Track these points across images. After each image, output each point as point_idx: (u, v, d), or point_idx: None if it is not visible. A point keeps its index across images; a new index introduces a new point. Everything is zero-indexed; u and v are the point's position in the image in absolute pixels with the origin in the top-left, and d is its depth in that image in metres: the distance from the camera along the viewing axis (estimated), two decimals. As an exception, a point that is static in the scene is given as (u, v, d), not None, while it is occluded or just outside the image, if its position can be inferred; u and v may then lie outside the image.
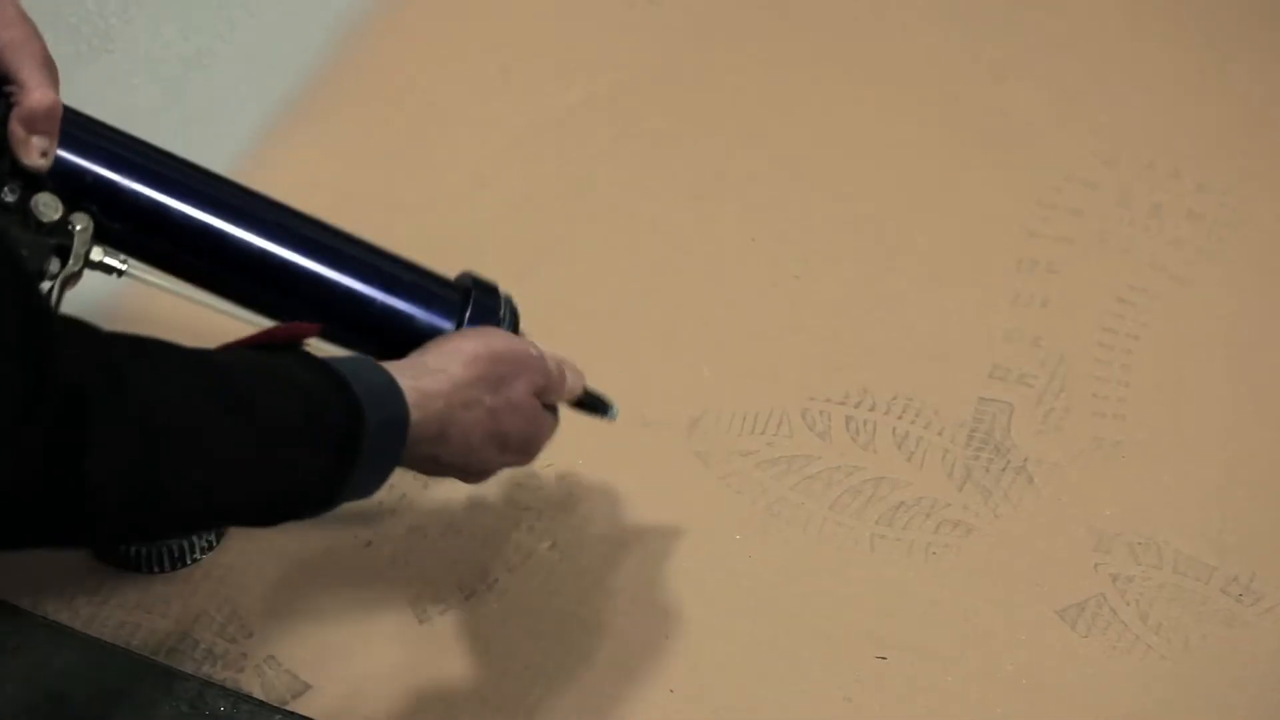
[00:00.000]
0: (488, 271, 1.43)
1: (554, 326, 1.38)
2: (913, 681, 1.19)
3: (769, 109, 1.60)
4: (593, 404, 1.14)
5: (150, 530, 0.92)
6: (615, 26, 1.66)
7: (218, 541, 1.21)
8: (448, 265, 1.42)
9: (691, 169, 1.54)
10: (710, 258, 1.46)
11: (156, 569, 1.18)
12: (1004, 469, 1.32)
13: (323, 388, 0.94)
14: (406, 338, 1.06)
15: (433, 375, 1.01)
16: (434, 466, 1.04)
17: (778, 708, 1.18)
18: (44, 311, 0.81)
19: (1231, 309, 1.46)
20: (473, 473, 1.07)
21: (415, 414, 0.98)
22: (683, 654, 1.19)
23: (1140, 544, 1.28)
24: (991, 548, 1.27)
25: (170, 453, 0.85)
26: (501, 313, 1.11)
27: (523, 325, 1.12)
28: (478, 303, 1.11)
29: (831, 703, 1.18)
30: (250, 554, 1.22)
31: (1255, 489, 1.33)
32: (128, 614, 1.18)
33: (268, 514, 0.94)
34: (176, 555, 1.18)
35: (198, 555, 1.19)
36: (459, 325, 1.09)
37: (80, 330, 0.83)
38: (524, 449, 1.08)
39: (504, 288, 1.13)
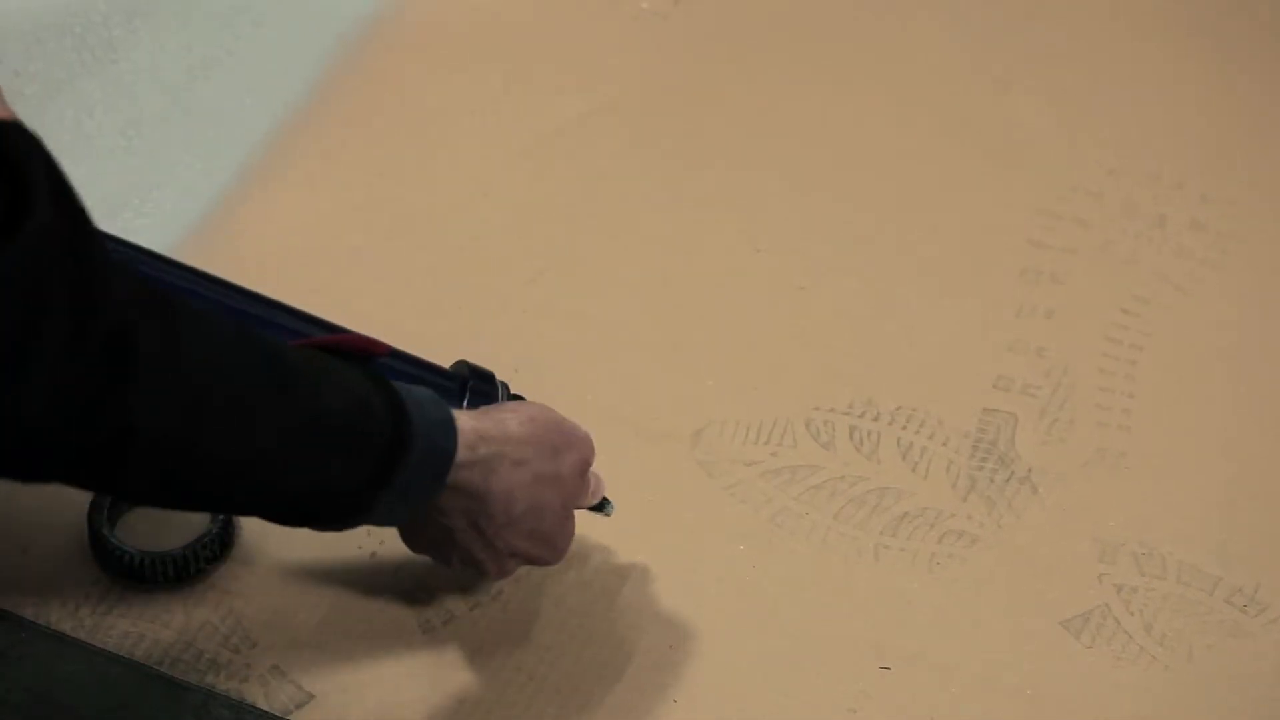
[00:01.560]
0: (491, 280, 1.43)
1: (557, 337, 1.39)
2: (916, 692, 1.19)
3: (773, 121, 1.60)
4: (600, 503, 1.17)
5: (177, 488, 0.90)
6: (620, 38, 1.66)
7: (222, 554, 1.21)
8: (453, 275, 1.43)
9: (695, 180, 1.54)
10: (714, 268, 1.46)
11: (161, 579, 1.18)
12: (1008, 479, 1.32)
13: (378, 401, 0.95)
14: None
15: (491, 420, 1.02)
16: (459, 530, 1.04)
17: (782, 718, 1.18)
18: (100, 250, 0.81)
19: (1236, 320, 1.46)
20: (499, 553, 1.07)
21: (465, 453, 0.98)
22: (687, 664, 1.19)
23: (1144, 554, 1.28)
24: (996, 558, 1.27)
25: (212, 409, 0.86)
26: (500, 399, 1.12)
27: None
28: (475, 390, 1.11)
29: (836, 713, 1.18)
30: (254, 565, 1.22)
31: (1260, 499, 1.33)
32: (131, 624, 1.18)
33: (291, 508, 0.94)
34: (180, 566, 1.18)
35: (202, 566, 1.19)
36: None
37: (135, 276, 0.84)
38: (552, 540, 1.08)
39: (496, 366, 1.16)
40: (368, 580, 1.22)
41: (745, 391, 1.36)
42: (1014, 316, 1.44)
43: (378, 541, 1.22)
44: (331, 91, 1.57)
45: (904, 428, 1.34)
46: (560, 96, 1.60)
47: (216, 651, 1.17)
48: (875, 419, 1.35)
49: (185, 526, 1.20)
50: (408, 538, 1.12)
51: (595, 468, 1.13)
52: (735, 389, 1.36)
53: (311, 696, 1.16)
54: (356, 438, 0.93)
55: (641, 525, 1.27)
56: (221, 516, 1.19)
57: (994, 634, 1.23)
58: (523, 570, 1.22)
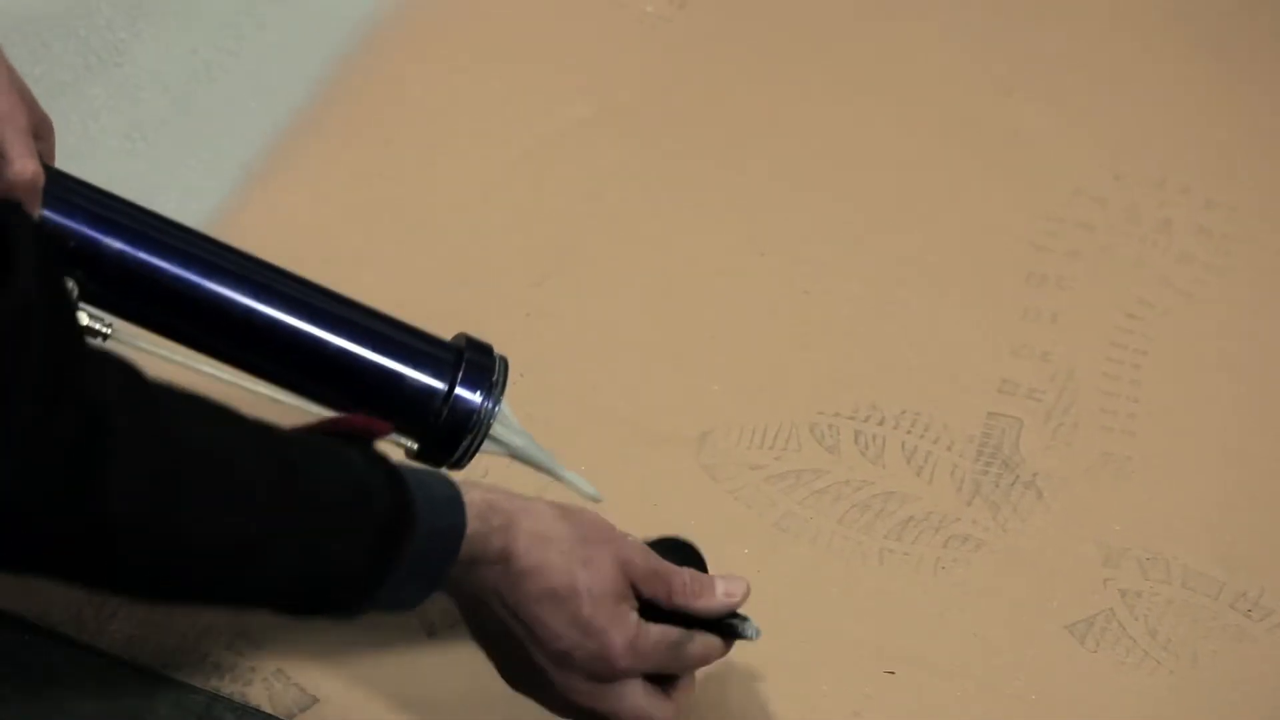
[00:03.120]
0: (495, 284, 1.43)
1: (561, 340, 1.38)
2: (921, 696, 1.19)
3: (777, 124, 1.60)
4: (730, 629, 1.04)
5: (171, 580, 0.86)
6: (624, 42, 1.66)
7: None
8: (455, 277, 1.43)
9: (700, 183, 1.53)
10: (719, 272, 1.46)
11: (164, 582, 1.18)
12: (1013, 484, 1.32)
13: (377, 477, 0.91)
14: (396, 397, 1.05)
15: (508, 495, 0.97)
16: (500, 616, 0.97)
17: (786, 722, 1.18)
18: (72, 327, 0.80)
19: (1241, 324, 1.46)
20: (547, 649, 0.97)
21: (476, 524, 0.94)
22: (691, 668, 1.19)
23: (1149, 559, 1.28)
24: (1000, 562, 1.27)
25: (198, 492, 0.83)
26: (495, 375, 1.09)
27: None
28: (470, 362, 1.09)
29: (839, 717, 1.18)
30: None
31: (1265, 504, 1.32)
32: (135, 628, 1.18)
33: (295, 595, 0.90)
34: (184, 568, 1.18)
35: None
36: (451, 386, 1.07)
37: (113, 358, 0.82)
38: (597, 630, 0.97)
39: (500, 349, 1.11)
40: (372, 583, 1.21)
41: (749, 395, 1.36)
42: (1018, 320, 1.44)
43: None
44: (335, 94, 1.57)
45: (908, 432, 1.34)
46: (564, 99, 1.60)
47: (220, 654, 1.17)
48: (880, 423, 1.35)
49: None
50: (481, 642, 1.04)
51: (724, 579, 1.04)
52: (739, 393, 1.36)
53: (316, 700, 1.16)
54: (356, 516, 0.89)
55: (645, 529, 1.26)
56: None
57: (998, 638, 1.23)
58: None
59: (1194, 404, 1.39)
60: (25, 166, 0.97)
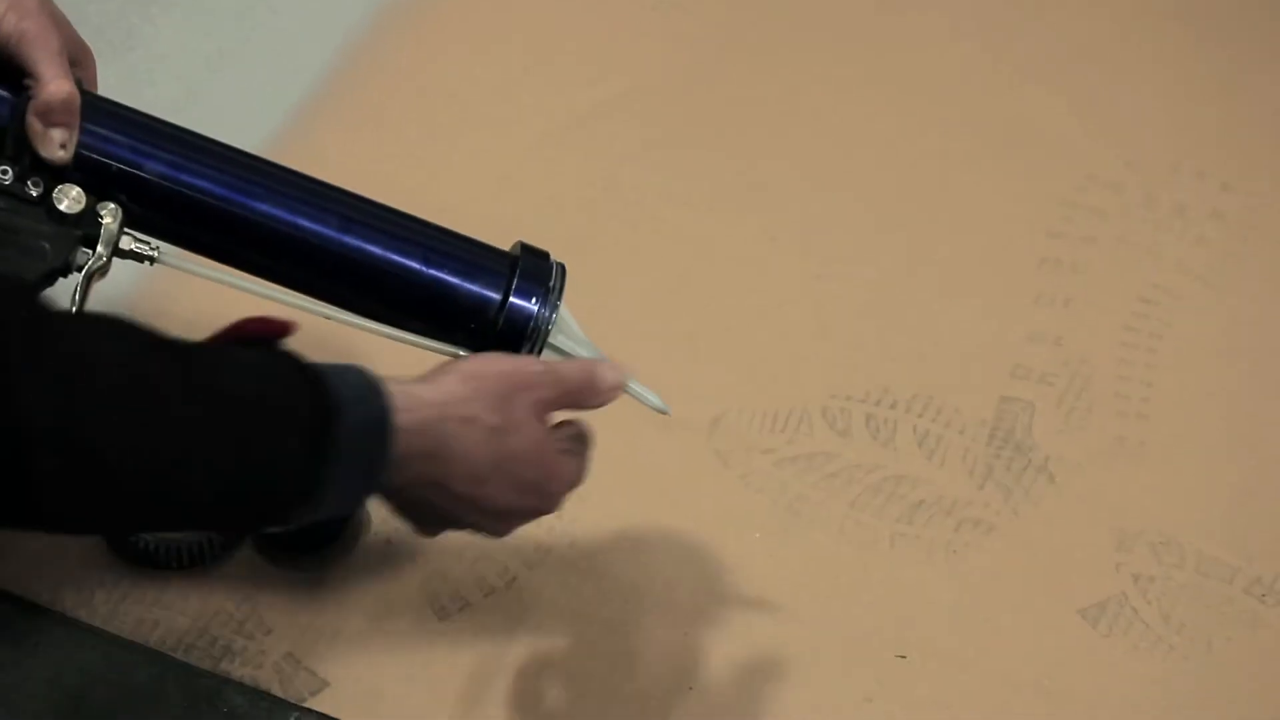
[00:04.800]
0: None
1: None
2: (933, 680, 1.19)
3: (791, 112, 1.60)
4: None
5: (99, 500, 0.83)
6: (637, 29, 1.66)
7: (237, 541, 1.21)
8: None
9: (713, 170, 1.53)
10: (732, 257, 1.46)
11: (175, 565, 1.18)
12: (1025, 468, 1.31)
13: (292, 375, 0.89)
14: (451, 310, 1.03)
15: (426, 385, 0.96)
16: (445, 499, 0.98)
17: (798, 707, 1.18)
18: None
19: (1255, 308, 1.45)
20: (489, 513, 1.00)
21: (404, 417, 0.92)
22: (702, 652, 1.19)
23: (1162, 544, 1.27)
24: (1012, 547, 1.27)
25: (106, 399, 0.80)
26: (552, 281, 1.06)
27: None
28: (525, 271, 1.06)
29: (851, 702, 1.18)
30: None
31: (1278, 489, 1.32)
32: (146, 610, 1.18)
33: (235, 505, 0.88)
34: (195, 553, 1.18)
35: (216, 552, 1.19)
36: (505, 295, 1.06)
37: None
38: (539, 486, 1.01)
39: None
40: (383, 567, 1.22)
41: (762, 380, 1.36)
42: (1032, 305, 1.43)
43: (393, 529, 1.22)
44: (347, 79, 1.57)
45: (920, 415, 1.34)
46: (578, 86, 1.59)
47: (231, 638, 1.17)
48: (892, 407, 1.35)
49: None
50: (409, 521, 1.03)
51: (602, 365, 1.04)
52: (752, 377, 1.36)
53: (327, 684, 1.16)
54: (282, 411, 0.87)
55: (657, 513, 1.26)
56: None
57: (1010, 622, 1.22)
58: (536, 557, 1.22)
59: (1208, 389, 1.39)
60: (60, 87, 0.96)
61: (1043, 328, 1.42)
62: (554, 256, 1.09)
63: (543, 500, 1.02)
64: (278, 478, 0.88)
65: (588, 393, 1.03)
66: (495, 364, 1.00)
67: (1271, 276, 1.48)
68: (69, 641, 1.15)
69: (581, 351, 1.07)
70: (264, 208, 1.03)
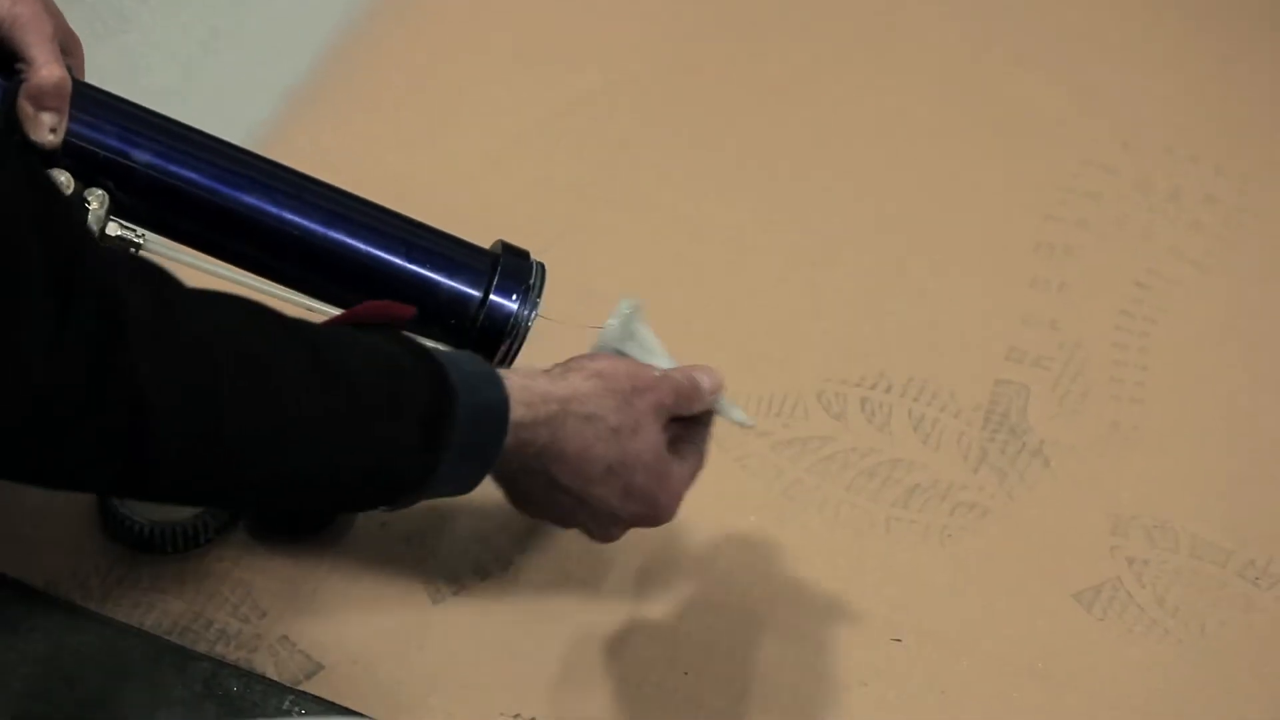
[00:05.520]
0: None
1: (568, 311, 1.38)
2: (928, 665, 1.19)
3: (786, 96, 1.59)
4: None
5: (213, 474, 0.84)
6: (632, 12, 1.66)
7: (232, 523, 1.20)
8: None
9: (708, 155, 1.53)
10: (727, 242, 1.46)
11: (170, 549, 1.18)
12: (1020, 451, 1.31)
13: (411, 361, 0.91)
14: (432, 305, 1.05)
15: (549, 378, 0.98)
16: (554, 495, 0.99)
17: (793, 691, 1.17)
18: (72, 222, 0.78)
19: (1251, 293, 1.45)
20: (596, 515, 1.02)
21: (522, 411, 0.94)
22: (697, 636, 1.19)
23: (1157, 527, 1.28)
24: (1007, 530, 1.27)
25: (228, 377, 0.81)
26: (531, 279, 1.09)
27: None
28: (506, 269, 1.08)
29: (847, 686, 1.18)
30: (264, 534, 1.22)
31: (1273, 473, 1.32)
32: (141, 594, 1.18)
33: (347, 487, 0.90)
34: (190, 535, 1.18)
35: (211, 535, 1.19)
36: (486, 293, 1.07)
37: (118, 253, 0.81)
38: (648, 494, 1.02)
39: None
40: (378, 550, 1.22)
41: (757, 364, 1.36)
42: (1027, 289, 1.43)
43: (389, 511, 1.21)
44: (342, 63, 1.57)
45: (915, 399, 1.34)
46: (572, 70, 1.59)
47: (226, 621, 1.17)
48: (887, 391, 1.35)
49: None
50: (519, 505, 1.06)
51: (699, 370, 1.07)
52: (747, 361, 1.36)
53: (321, 667, 1.16)
54: (400, 398, 0.89)
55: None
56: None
57: (1005, 606, 1.23)
58: (533, 542, 1.22)
59: (1203, 373, 1.39)
60: (52, 72, 0.97)
61: (1038, 311, 1.42)
62: (534, 256, 1.12)
63: (650, 509, 1.03)
64: (394, 464, 0.91)
65: (694, 397, 1.05)
66: (621, 364, 1.03)
67: (1265, 261, 1.48)
68: (63, 625, 1.15)
69: (660, 362, 1.08)
70: (250, 200, 1.04)
